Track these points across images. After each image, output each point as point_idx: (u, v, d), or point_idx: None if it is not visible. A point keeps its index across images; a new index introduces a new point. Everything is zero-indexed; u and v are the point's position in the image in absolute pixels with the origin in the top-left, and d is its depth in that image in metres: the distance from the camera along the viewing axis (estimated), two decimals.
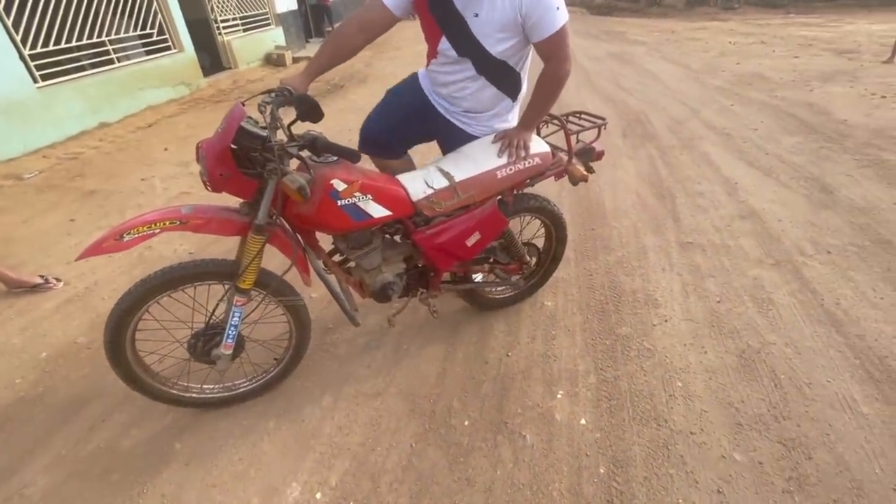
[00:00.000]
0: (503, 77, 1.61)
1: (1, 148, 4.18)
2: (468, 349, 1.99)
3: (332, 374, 1.88)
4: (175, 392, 1.62)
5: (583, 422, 1.64)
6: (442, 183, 1.57)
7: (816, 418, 1.60)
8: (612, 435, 1.59)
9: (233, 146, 1.23)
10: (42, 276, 2.44)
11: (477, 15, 1.43)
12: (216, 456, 1.57)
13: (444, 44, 1.54)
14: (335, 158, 1.39)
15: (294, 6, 9.97)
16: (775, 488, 1.40)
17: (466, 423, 1.66)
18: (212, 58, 7.44)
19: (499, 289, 2.18)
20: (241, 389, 1.73)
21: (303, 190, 1.22)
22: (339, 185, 1.36)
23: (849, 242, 2.57)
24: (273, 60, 8.45)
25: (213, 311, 1.51)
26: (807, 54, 7.67)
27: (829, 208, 2.94)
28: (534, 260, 2.08)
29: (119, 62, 5.58)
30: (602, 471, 1.47)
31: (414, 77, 1.85)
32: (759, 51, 8.23)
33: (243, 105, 1.29)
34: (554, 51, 1.48)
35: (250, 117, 1.25)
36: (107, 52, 5.43)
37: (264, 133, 1.25)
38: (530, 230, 2.11)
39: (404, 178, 1.57)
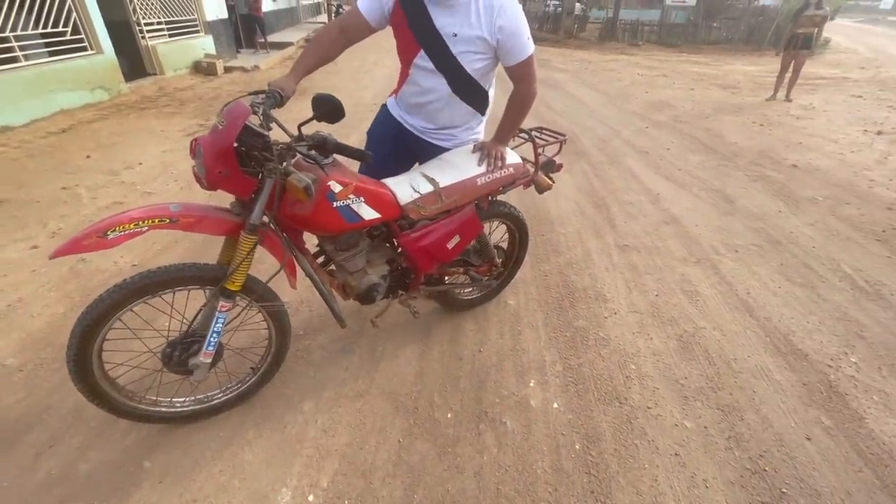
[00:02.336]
0: (474, 94, 1.73)
1: None
2: (442, 348, 2.07)
3: (310, 380, 1.86)
4: (143, 407, 1.52)
5: (555, 406, 1.79)
6: (427, 188, 1.66)
7: (744, 387, 1.89)
8: (582, 415, 1.75)
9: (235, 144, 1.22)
10: None
11: (455, 35, 1.55)
12: (193, 471, 1.49)
13: (421, 58, 1.63)
14: (331, 160, 1.43)
15: (224, 15, 9.56)
16: (719, 447, 1.64)
17: (449, 415, 1.74)
18: (133, 62, 6.90)
19: (468, 290, 2.30)
20: (215, 401, 1.66)
21: (308, 189, 1.25)
22: (336, 187, 1.40)
23: (750, 243, 3.04)
24: (203, 69, 8.01)
25: (194, 318, 1.46)
26: (700, 87, 8.85)
27: (731, 215, 3.45)
28: (501, 262, 2.23)
29: (26, 60, 4.99)
30: (578, 447, 1.63)
31: (384, 108, 1.94)
32: (662, 82, 9.34)
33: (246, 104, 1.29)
34: (524, 74, 1.64)
35: (253, 110, 1.26)
36: (11, 49, 4.84)
37: (266, 132, 1.27)
38: (496, 236, 2.27)
39: (392, 183, 1.64)
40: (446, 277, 2.09)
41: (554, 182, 2.05)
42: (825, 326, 2.26)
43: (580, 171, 4.27)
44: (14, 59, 4.89)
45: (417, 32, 1.59)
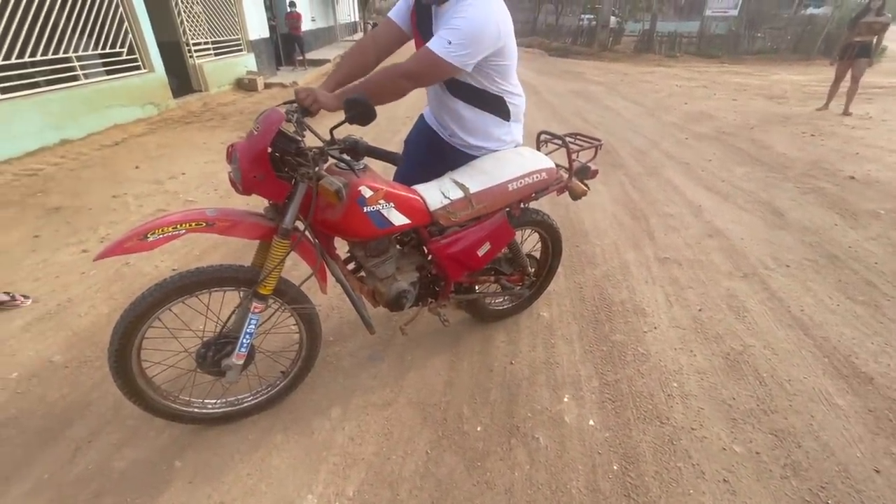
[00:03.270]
0: (486, 101, 1.65)
1: None
2: (472, 359, 2.02)
3: (339, 387, 1.85)
4: (176, 407, 1.54)
5: (591, 423, 1.70)
6: (457, 194, 1.63)
7: (800, 411, 1.74)
8: (620, 434, 1.65)
9: (269, 149, 1.24)
10: (7, 293, 2.27)
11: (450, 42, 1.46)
12: (222, 472, 1.49)
13: None
14: (363, 166, 1.43)
15: (266, 34, 10.04)
16: (773, 475, 1.50)
17: (479, 428, 1.68)
18: (182, 80, 7.31)
19: (499, 300, 2.24)
20: (246, 404, 1.67)
21: (340, 192, 1.25)
22: (367, 192, 1.40)
23: (803, 258, 2.84)
24: (244, 85, 8.41)
25: (228, 319, 1.48)
26: (743, 97, 8.52)
27: (781, 228, 3.24)
28: (533, 270, 2.17)
29: (86, 79, 5.38)
30: (615, 467, 1.53)
31: (421, 117, 1.95)
32: (702, 93, 9.06)
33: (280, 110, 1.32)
34: (416, 58, 1.40)
35: (287, 118, 1.28)
36: (73, 69, 5.23)
37: (300, 138, 1.28)
38: (529, 244, 2.21)
39: (422, 189, 1.62)
40: (477, 286, 2.04)
41: (589, 188, 1.98)
42: (892, 348, 2.06)
43: (617, 183, 4.15)
44: (75, 78, 5.28)
45: (423, 30, 1.59)
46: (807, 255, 2.88)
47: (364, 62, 1.64)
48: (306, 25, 12.89)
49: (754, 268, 2.73)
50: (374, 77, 1.45)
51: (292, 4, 11.06)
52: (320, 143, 1.35)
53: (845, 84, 6.74)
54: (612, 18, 18.46)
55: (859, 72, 6.52)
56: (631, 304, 2.39)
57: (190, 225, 1.25)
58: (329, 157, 1.33)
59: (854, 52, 6.39)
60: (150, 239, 1.21)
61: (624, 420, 1.71)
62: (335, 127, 1.33)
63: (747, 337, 2.14)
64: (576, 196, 1.94)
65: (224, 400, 1.65)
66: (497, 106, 1.69)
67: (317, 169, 1.28)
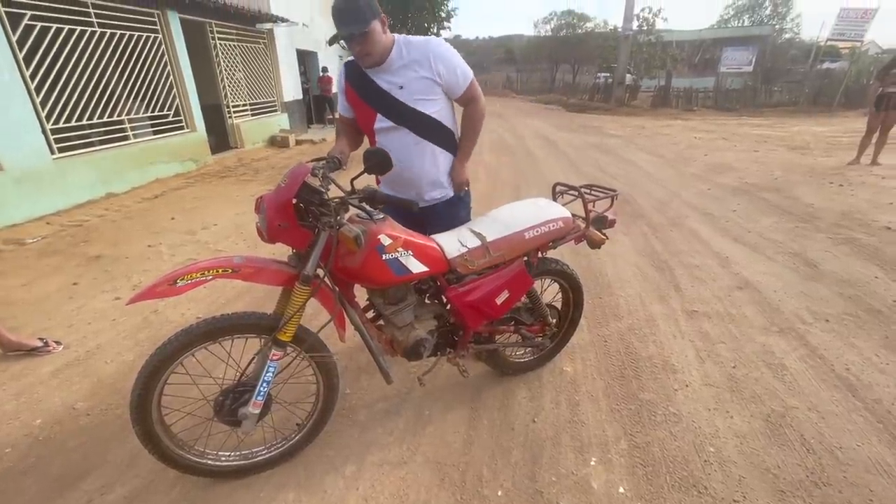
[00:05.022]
0: (440, 134, 1.79)
1: (6, 214, 4.19)
2: (492, 415, 1.94)
3: (353, 442, 1.79)
4: (190, 458, 1.51)
5: (621, 490, 1.57)
6: (474, 242, 1.66)
7: (856, 483, 1.57)
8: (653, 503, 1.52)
9: (294, 200, 1.31)
10: (41, 339, 2.35)
11: (402, 87, 1.65)
12: None
13: (380, 121, 1.72)
14: (382, 217, 1.48)
15: (300, 96, 10.81)
16: None
17: (500, 493, 1.58)
18: (220, 137, 7.85)
19: (519, 352, 2.18)
20: (259, 458, 1.63)
21: (359, 239, 1.29)
22: (385, 240, 1.43)
23: (843, 312, 2.69)
24: (277, 142, 8.95)
25: (247, 366, 1.48)
26: (764, 149, 8.52)
27: (816, 281, 3.11)
28: (554, 321, 2.12)
29: (135, 138, 5.84)
30: None
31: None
32: (722, 145, 9.12)
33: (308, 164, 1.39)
34: (472, 95, 1.77)
35: (314, 173, 1.35)
36: (124, 130, 5.71)
37: (323, 189, 1.34)
38: (549, 295, 2.18)
39: (439, 238, 1.65)
40: (496, 336, 2.01)
41: (607, 237, 1.97)
42: None
43: (639, 233, 4.12)
44: (126, 138, 5.75)
45: (367, 97, 1.71)
46: (847, 309, 2.73)
47: (355, 143, 1.86)
48: (336, 87, 13.83)
49: (790, 322, 2.60)
50: (469, 134, 1.87)
51: (325, 69, 11.96)
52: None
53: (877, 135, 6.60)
54: (628, 76, 19.17)
55: (891, 123, 6.36)
56: (659, 360, 2.29)
57: (217, 271, 1.29)
58: (350, 208, 1.39)
59: (889, 104, 6.28)
60: (180, 284, 1.25)
61: (657, 488, 1.58)
62: (356, 177, 1.40)
63: (789, 398, 2.00)
64: (594, 245, 1.93)
65: (238, 453, 1.61)
66: (448, 139, 1.84)
67: (338, 218, 1.33)
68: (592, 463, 1.69)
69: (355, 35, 1.50)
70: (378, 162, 1.37)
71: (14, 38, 4.34)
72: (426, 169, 1.80)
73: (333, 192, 1.42)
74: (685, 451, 1.72)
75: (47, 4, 4.64)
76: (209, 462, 1.55)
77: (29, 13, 4.47)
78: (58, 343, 2.37)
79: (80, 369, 2.22)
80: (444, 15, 19.36)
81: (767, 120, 13.76)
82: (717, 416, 1.90)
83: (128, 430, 1.65)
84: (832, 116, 14.03)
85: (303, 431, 1.67)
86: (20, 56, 4.39)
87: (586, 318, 2.63)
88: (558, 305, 2.18)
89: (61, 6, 4.80)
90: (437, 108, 1.72)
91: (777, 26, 28.61)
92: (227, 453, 1.60)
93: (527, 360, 2.17)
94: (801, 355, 2.29)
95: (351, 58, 1.71)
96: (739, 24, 31.26)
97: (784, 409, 1.93)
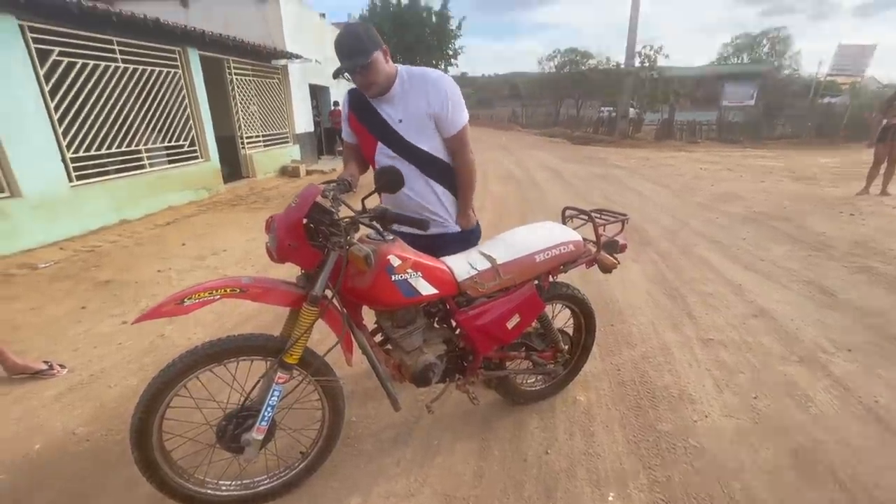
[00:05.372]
0: (439, 171, 1.76)
1: (21, 239, 4.26)
2: (504, 446, 1.86)
3: (360, 472, 1.71)
4: (190, 486, 1.45)
5: None
6: (485, 265, 1.64)
7: None
8: None
9: (304, 220, 1.30)
10: (46, 362, 2.32)
11: (401, 121, 1.66)
12: None
13: (381, 150, 1.72)
14: (392, 238, 1.47)
15: (311, 129, 11.11)
16: None
17: None
18: (232, 167, 8.04)
19: (531, 380, 2.12)
20: (261, 488, 1.56)
21: (368, 258, 1.28)
22: (395, 261, 1.41)
23: (866, 341, 2.60)
24: (288, 172, 9.14)
25: (251, 390, 1.44)
26: (771, 179, 8.54)
27: (835, 309, 3.03)
28: (567, 348, 2.06)
29: (150, 167, 5.99)
30: None
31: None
32: (727, 175, 9.15)
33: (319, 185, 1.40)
34: (460, 145, 1.72)
35: (324, 195, 1.35)
36: (140, 159, 5.86)
37: (334, 209, 1.35)
38: (560, 320, 2.13)
39: (449, 260, 1.63)
40: (507, 362, 1.95)
41: (619, 262, 1.94)
42: None
43: (648, 261, 4.08)
44: (142, 167, 5.89)
45: (369, 124, 1.72)
46: (869, 338, 2.64)
47: (360, 168, 1.85)
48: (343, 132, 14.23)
49: (811, 352, 2.51)
50: (464, 190, 1.81)
51: (336, 103, 12.34)
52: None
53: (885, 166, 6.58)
54: (631, 110, 19.56)
55: None
56: (676, 389, 2.20)
57: (225, 291, 1.28)
58: (360, 228, 1.38)
59: (894, 134, 6.31)
60: (187, 303, 1.24)
61: None
62: (367, 196, 1.40)
63: (816, 431, 1.90)
64: (606, 269, 1.90)
65: (239, 482, 1.55)
66: (449, 175, 1.79)
67: (348, 237, 1.33)
68: (610, 498, 1.60)
69: (358, 67, 1.52)
70: (389, 180, 1.37)
71: (42, 72, 4.54)
72: (428, 199, 1.78)
73: (343, 214, 1.42)
74: (709, 487, 1.63)
75: (76, 41, 4.87)
76: (209, 491, 1.49)
77: (57, 49, 4.70)
78: (62, 366, 2.35)
79: (83, 393, 2.18)
80: (451, 53, 20.11)
81: (771, 152, 13.88)
82: (741, 449, 1.81)
83: (127, 457, 1.60)
84: (836, 148, 14.11)
85: (307, 460, 1.60)
86: (46, 88, 4.57)
87: (598, 346, 2.56)
88: (569, 331, 2.13)
89: (89, 43, 5.03)
90: (434, 144, 1.70)
91: (776, 63, 29.32)
92: (228, 482, 1.53)
93: (538, 388, 2.10)
94: (826, 386, 2.20)
95: (354, 86, 1.72)
96: (739, 62, 32.10)
97: (813, 443, 1.83)
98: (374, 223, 1.38)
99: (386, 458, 1.79)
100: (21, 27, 4.32)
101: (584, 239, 1.95)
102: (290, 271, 1.42)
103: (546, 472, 1.72)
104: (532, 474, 1.71)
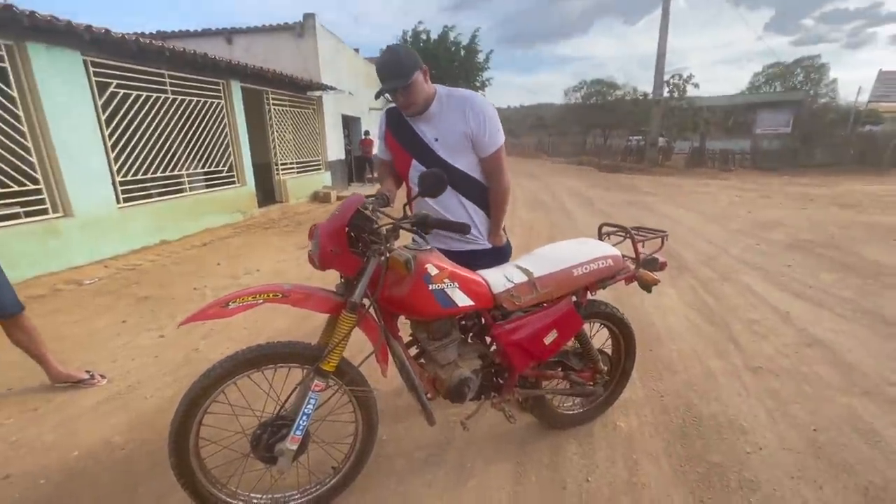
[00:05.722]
0: (472, 189, 1.74)
1: (70, 257, 4.49)
2: (540, 471, 1.76)
3: (390, 493, 1.65)
4: (222, 497, 1.42)
5: None
6: (521, 278, 1.60)
7: None
8: None
9: (346, 227, 1.32)
10: (88, 372, 2.38)
11: (437, 139, 1.66)
12: None
13: (414, 168, 1.72)
14: (429, 247, 1.46)
15: (342, 156, 11.50)
16: None
17: None
18: (266, 192, 8.35)
19: (568, 403, 2.02)
20: (291, 503, 1.52)
21: (409, 263, 1.27)
22: (433, 270, 1.40)
23: None
24: (319, 197, 9.42)
25: (287, 399, 1.43)
26: (813, 206, 8.20)
27: None
28: (606, 368, 1.97)
29: (190, 191, 6.29)
30: None
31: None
32: (765, 203, 8.85)
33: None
34: (496, 167, 1.71)
35: (364, 207, 1.37)
36: (181, 183, 6.17)
37: (375, 217, 1.36)
38: (598, 341, 2.04)
39: (485, 273, 1.61)
40: (544, 382, 1.87)
41: (659, 280, 1.86)
42: None
43: (686, 286, 3.92)
44: (182, 191, 6.19)
45: (404, 142, 1.73)
46: None
47: (396, 184, 1.87)
48: (376, 149, 14.69)
49: (875, 383, 2.31)
50: (496, 213, 1.80)
51: (366, 133, 12.78)
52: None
53: None
54: (661, 138, 19.36)
55: None
56: (724, 419, 2.06)
57: (267, 296, 1.29)
58: (399, 236, 1.39)
59: None
60: (231, 307, 1.25)
61: None
62: (410, 201, 1.41)
63: (888, 469, 1.72)
64: (646, 286, 1.83)
65: (270, 496, 1.51)
66: (480, 194, 1.77)
67: (388, 245, 1.33)
68: None
69: (399, 87, 1.55)
70: (433, 183, 1.37)
71: (100, 102, 4.90)
72: (459, 216, 1.76)
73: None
74: None
75: (131, 74, 5.26)
76: (240, 503, 1.46)
77: (115, 82, 5.08)
78: (103, 376, 2.40)
79: (120, 403, 2.21)
80: (479, 84, 20.63)
81: (811, 179, 13.39)
82: (803, 486, 1.65)
83: (160, 467, 1.61)
84: (882, 176, 13.51)
85: (338, 475, 1.56)
86: (102, 117, 4.92)
87: (637, 371, 2.43)
88: (608, 352, 2.04)
89: (143, 76, 5.43)
90: (468, 163, 1.70)
91: (812, 91, 28.67)
92: (259, 495, 1.50)
93: (576, 411, 2.01)
94: (894, 421, 2.01)
95: (393, 104, 1.74)
96: (771, 90, 31.58)
97: (884, 481, 1.66)
98: (416, 228, 1.38)
99: (417, 479, 1.72)
100: (85, 62, 4.70)
101: (623, 255, 1.90)
102: (330, 281, 1.43)
103: (587, 501, 1.61)
104: (572, 503, 1.60)
